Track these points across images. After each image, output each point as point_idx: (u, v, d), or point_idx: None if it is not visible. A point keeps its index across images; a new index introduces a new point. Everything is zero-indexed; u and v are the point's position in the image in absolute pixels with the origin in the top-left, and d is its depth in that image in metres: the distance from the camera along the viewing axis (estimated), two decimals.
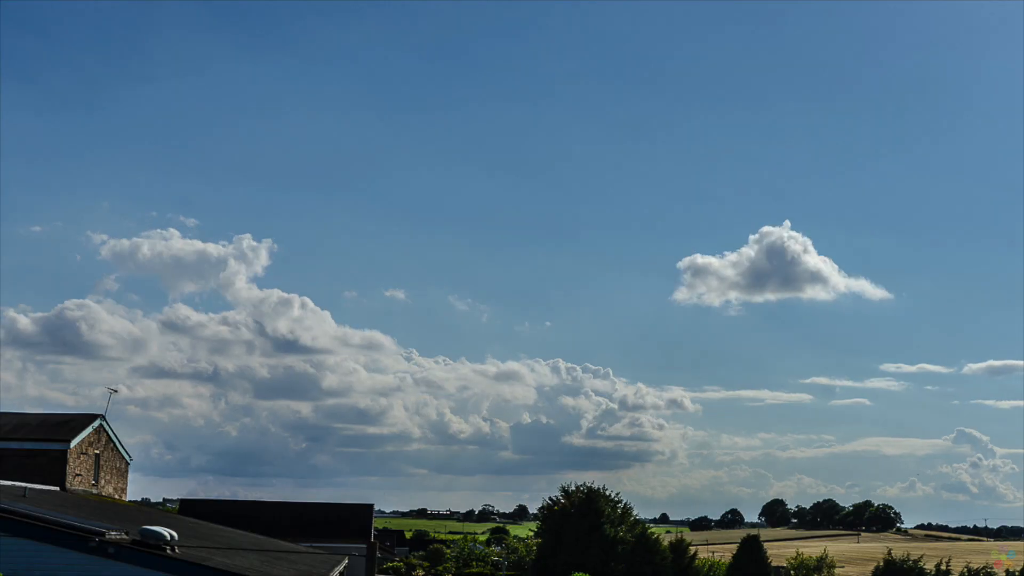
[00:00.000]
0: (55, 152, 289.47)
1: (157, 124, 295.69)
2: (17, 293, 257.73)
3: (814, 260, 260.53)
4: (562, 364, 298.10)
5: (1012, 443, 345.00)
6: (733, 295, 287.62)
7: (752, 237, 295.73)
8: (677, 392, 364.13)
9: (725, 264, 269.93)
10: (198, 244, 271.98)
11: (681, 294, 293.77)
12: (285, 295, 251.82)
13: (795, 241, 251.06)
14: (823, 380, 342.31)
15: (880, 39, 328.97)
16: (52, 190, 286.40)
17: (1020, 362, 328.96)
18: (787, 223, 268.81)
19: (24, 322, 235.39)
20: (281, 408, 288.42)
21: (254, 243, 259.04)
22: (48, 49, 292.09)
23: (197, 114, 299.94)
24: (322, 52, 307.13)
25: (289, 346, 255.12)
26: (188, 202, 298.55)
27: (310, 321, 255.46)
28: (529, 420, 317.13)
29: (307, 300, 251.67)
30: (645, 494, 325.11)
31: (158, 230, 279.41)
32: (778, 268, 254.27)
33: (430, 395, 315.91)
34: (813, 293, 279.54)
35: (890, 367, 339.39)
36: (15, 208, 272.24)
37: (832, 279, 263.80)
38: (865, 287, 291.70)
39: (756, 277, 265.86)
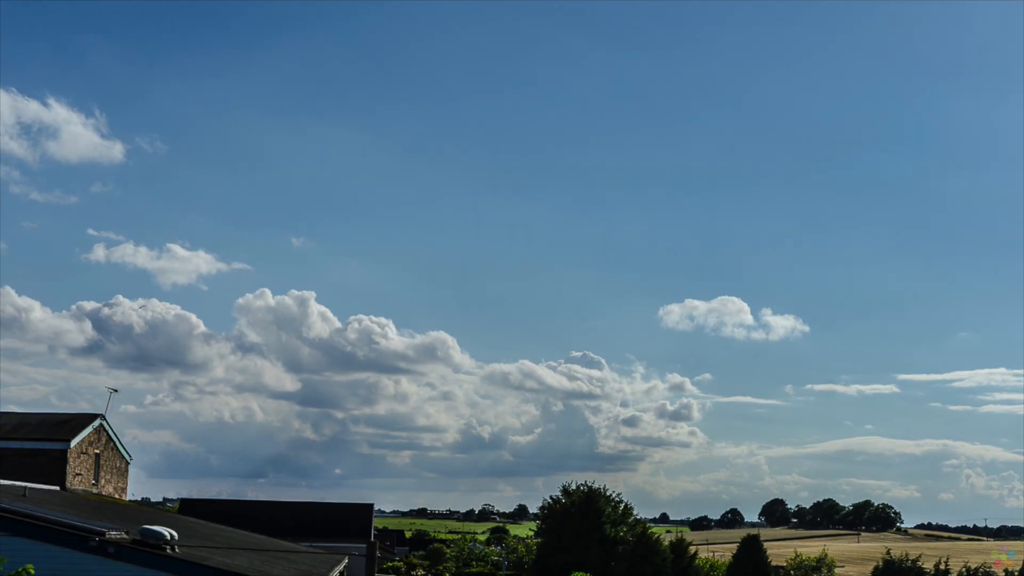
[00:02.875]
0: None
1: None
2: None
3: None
4: (564, 366, 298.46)
5: (986, 443, 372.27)
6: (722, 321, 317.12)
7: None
8: (676, 394, 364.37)
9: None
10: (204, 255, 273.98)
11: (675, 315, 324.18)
12: (302, 296, 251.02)
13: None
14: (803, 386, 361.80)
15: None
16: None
17: (959, 373, 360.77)
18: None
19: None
20: (292, 411, 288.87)
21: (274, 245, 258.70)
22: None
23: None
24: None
25: (308, 350, 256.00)
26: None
27: (325, 322, 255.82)
28: (530, 421, 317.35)
29: (315, 298, 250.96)
30: (645, 493, 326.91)
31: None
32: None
33: (433, 397, 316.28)
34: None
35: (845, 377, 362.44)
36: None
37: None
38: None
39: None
